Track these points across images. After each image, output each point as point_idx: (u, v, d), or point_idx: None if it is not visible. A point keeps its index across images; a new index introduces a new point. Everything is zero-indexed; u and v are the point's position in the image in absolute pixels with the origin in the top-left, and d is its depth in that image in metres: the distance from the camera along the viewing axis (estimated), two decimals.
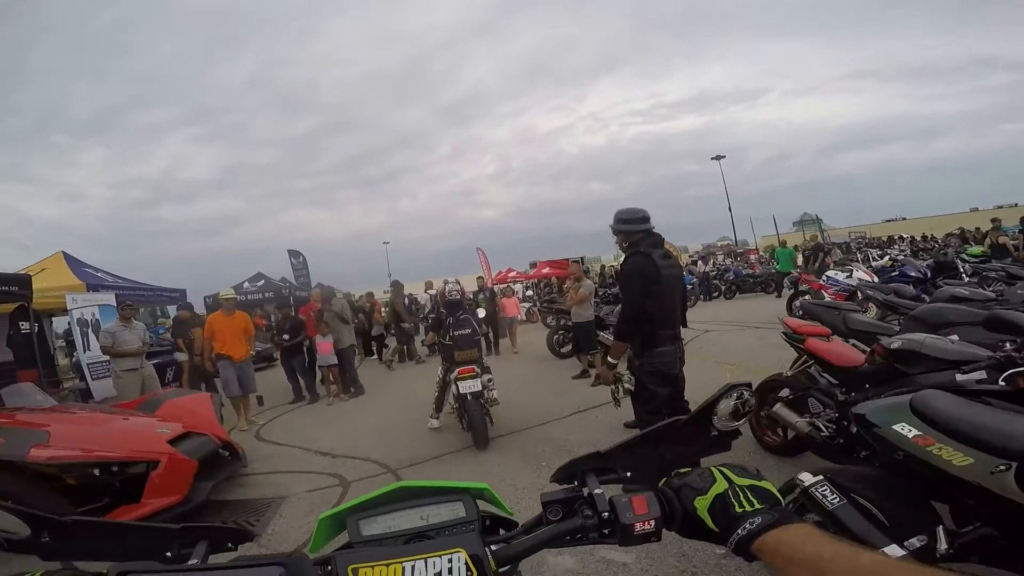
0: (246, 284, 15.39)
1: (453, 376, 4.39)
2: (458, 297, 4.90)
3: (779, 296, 13.26)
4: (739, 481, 0.60)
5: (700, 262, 19.93)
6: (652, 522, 0.60)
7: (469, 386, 4.25)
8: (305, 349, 7.18)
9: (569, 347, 7.95)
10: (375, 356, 11.31)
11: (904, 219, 49.40)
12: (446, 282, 5.05)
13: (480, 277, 11.99)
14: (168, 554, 0.65)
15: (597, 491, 0.66)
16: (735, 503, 0.58)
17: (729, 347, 7.67)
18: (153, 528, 0.66)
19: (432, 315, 9.98)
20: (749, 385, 0.75)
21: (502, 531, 0.74)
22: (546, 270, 26.24)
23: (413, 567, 0.56)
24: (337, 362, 6.94)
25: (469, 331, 4.63)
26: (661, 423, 0.72)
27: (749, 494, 0.59)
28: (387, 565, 0.56)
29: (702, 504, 0.60)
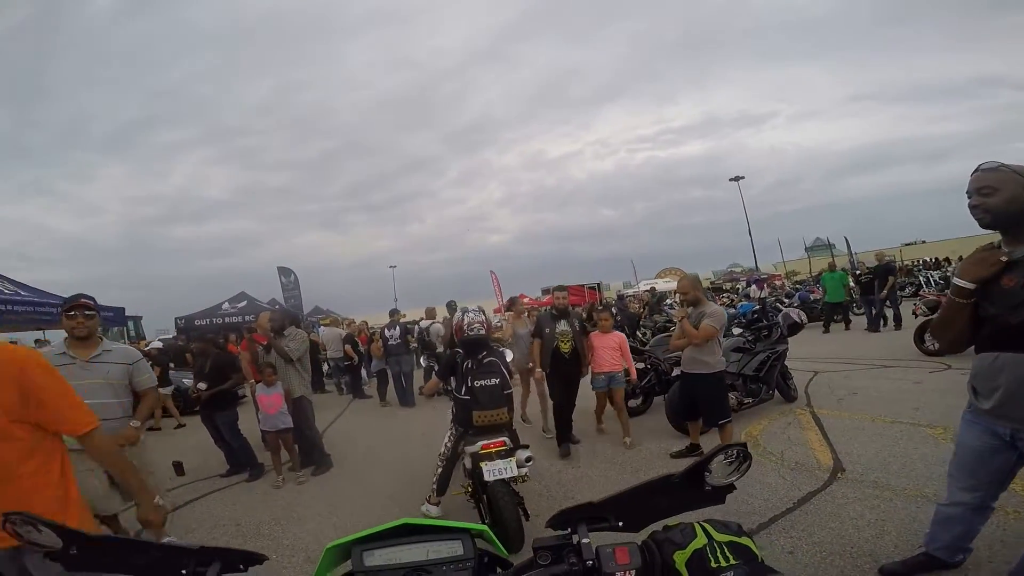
0: (226, 305, 13.27)
1: (473, 450, 3.06)
2: (482, 333, 3.35)
3: (827, 331, 11.26)
4: (718, 537, 0.64)
5: (754, 286, 17.24)
6: (632, 572, 0.62)
7: (499, 470, 2.92)
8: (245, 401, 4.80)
9: (640, 400, 5.46)
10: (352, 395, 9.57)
11: (924, 242, 49.05)
12: (465, 312, 3.49)
13: (561, 288, 5.19)
14: (184, 571, 0.68)
15: (585, 540, 0.69)
16: (711, 558, 0.61)
17: (878, 397, 5.17)
18: (173, 547, 0.70)
19: (439, 352, 7.58)
20: (744, 445, 0.72)
21: (499, 569, 0.76)
22: None
23: None
24: (291, 425, 4.52)
25: (497, 381, 3.21)
26: (655, 477, 0.72)
27: (727, 549, 0.62)
28: None
29: (680, 558, 0.63)
